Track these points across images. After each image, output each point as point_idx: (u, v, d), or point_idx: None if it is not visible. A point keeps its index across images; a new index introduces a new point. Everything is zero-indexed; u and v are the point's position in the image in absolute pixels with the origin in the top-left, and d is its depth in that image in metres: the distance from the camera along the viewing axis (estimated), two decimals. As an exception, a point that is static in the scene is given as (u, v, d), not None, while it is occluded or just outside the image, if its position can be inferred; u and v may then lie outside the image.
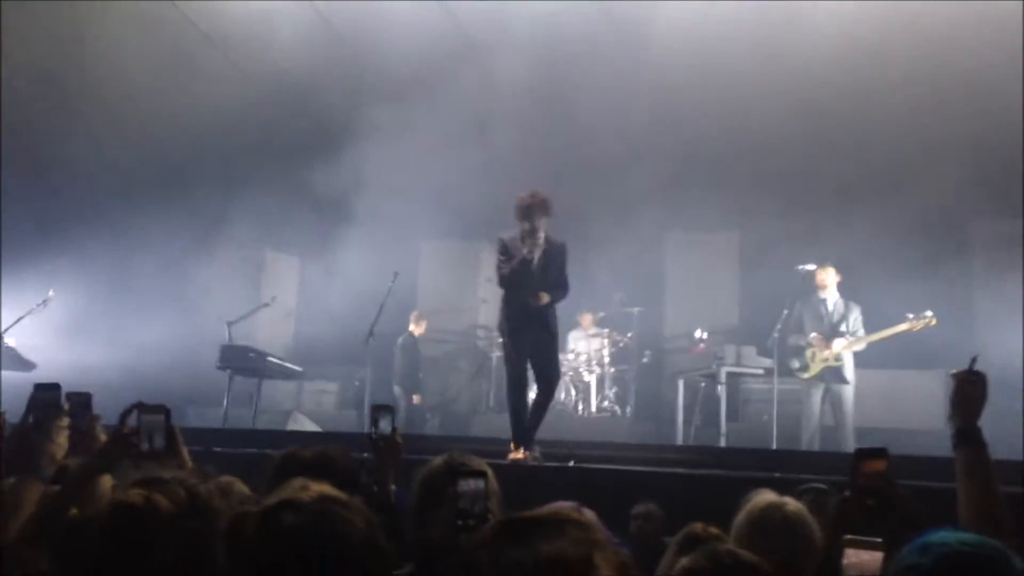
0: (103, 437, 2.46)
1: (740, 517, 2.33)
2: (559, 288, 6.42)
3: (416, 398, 10.43)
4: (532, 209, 6.24)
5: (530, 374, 6.64)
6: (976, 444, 2.25)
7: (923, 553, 1.59)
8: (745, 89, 8.92)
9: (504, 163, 9.13)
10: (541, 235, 6.27)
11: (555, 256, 6.41)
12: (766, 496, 2.37)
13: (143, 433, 2.30)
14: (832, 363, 8.06)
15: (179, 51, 9.55)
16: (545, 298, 6.31)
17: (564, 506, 2.34)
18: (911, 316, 7.95)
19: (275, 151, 10.48)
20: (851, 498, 2.01)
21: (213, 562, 1.60)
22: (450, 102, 9.48)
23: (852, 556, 1.74)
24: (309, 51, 9.54)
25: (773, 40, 8.62)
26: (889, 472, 2.06)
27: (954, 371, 2.23)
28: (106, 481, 2.35)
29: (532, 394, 6.74)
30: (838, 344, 8.08)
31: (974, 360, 2.33)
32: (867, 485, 1.89)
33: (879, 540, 1.78)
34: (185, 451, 2.34)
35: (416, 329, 10.75)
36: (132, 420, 2.34)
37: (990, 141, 8.45)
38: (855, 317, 8.23)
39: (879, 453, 2.07)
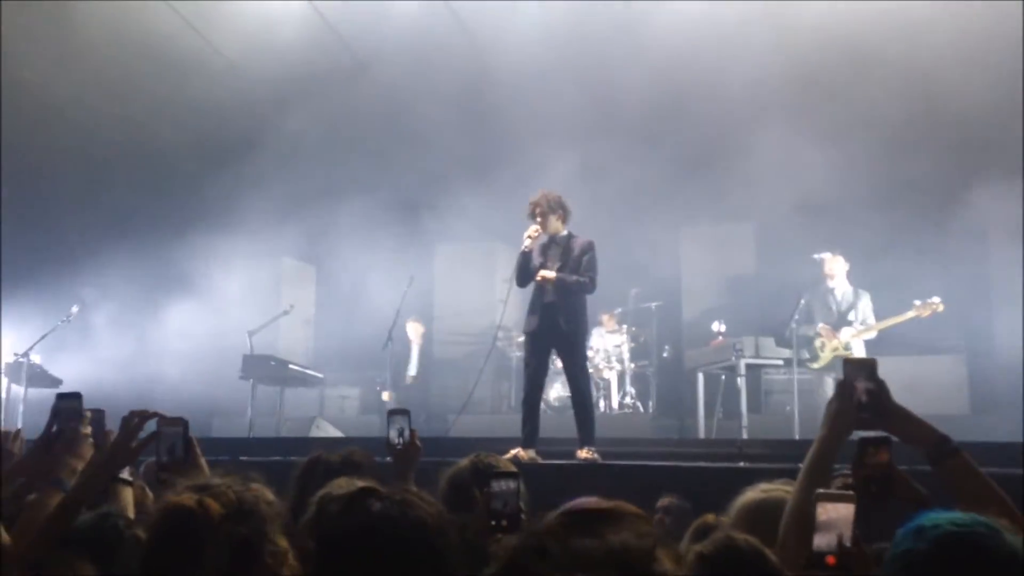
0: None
1: (739, 501, 2.35)
2: (578, 279, 6.43)
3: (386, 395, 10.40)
4: (536, 206, 6.47)
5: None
6: (951, 456, 2.08)
7: (917, 537, 1.60)
8: (755, 80, 8.90)
9: (517, 163, 9.15)
10: (534, 229, 6.43)
11: (574, 252, 6.46)
12: (757, 488, 2.39)
13: (163, 444, 2.37)
14: (841, 352, 8.07)
15: (181, 54, 9.62)
16: (547, 275, 6.36)
17: (588, 500, 2.37)
18: (918, 303, 7.96)
19: (285, 158, 10.53)
20: (854, 485, 2.03)
21: (262, 565, 1.65)
22: (458, 102, 9.52)
23: (827, 510, 1.76)
24: (313, 54, 9.59)
25: (781, 28, 8.61)
26: (892, 461, 2.09)
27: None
28: (127, 492, 2.39)
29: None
30: (845, 333, 8.12)
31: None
32: (870, 473, 1.91)
33: (850, 493, 1.79)
34: (204, 461, 2.39)
35: (412, 334, 10.78)
36: (144, 431, 2.39)
37: (1006, 118, 8.38)
38: (864, 305, 8.24)
39: (883, 441, 2.09)
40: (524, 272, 6.55)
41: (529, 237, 6.46)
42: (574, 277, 6.43)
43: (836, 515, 1.75)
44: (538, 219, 6.49)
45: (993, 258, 9.53)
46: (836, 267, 8.42)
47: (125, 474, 2.40)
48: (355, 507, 1.61)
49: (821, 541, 1.74)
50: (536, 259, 6.53)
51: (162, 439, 2.36)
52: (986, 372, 9.05)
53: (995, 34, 8.11)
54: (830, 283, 8.38)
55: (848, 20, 8.44)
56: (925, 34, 8.19)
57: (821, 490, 1.81)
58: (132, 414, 2.37)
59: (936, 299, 7.92)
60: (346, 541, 1.57)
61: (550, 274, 6.40)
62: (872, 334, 8.15)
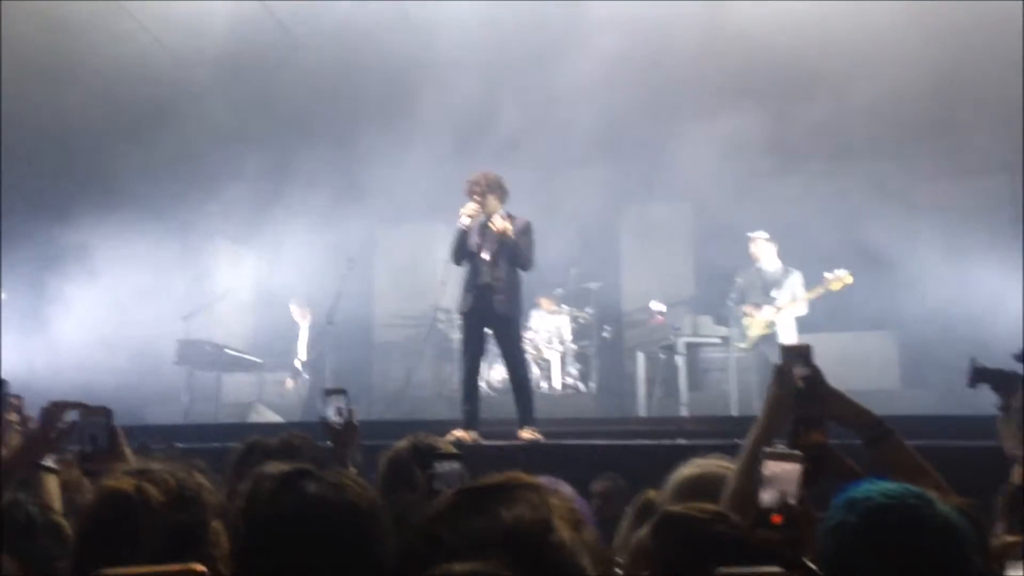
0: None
1: (675, 477, 2.37)
2: (519, 255, 6.45)
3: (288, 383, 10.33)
4: (475, 185, 6.48)
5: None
6: (885, 438, 2.11)
7: (848, 510, 1.60)
8: (694, 59, 8.95)
9: (456, 142, 9.09)
10: (472, 207, 6.43)
11: (514, 232, 6.45)
12: (691, 464, 2.41)
13: (85, 434, 2.33)
14: (765, 331, 8.25)
15: (122, 44, 9.32)
16: (502, 224, 6.38)
17: (541, 481, 2.37)
18: (828, 275, 8.15)
19: (226, 141, 10.30)
20: None
21: (203, 552, 1.61)
22: (397, 81, 9.41)
23: (773, 467, 1.78)
24: (251, 37, 9.37)
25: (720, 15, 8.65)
26: (826, 440, 2.12)
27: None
28: (52, 481, 2.33)
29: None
30: (766, 312, 8.29)
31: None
32: (806, 452, 1.94)
33: (798, 452, 1.82)
34: (129, 451, 2.35)
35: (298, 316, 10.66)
36: (68, 420, 2.33)
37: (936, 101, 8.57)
38: (792, 282, 8.41)
39: (818, 422, 2.13)
40: (461, 250, 6.53)
41: (468, 216, 6.44)
42: (515, 240, 6.43)
43: (782, 473, 1.76)
44: (476, 198, 6.47)
45: (922, 233, 9.78)
46: (761, 249, 8.59)
47: (50, 462, 2.33)
48: (288, 488, 1.58)
49: (766, 499, 1.75)
50: (473, 239, 6.51)
51: (85, 429, 2.33)
52: (915, 347, 9.31)
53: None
54: (759, 264, 8.57)
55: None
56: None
57: (767, 448, 1.82)
58: (52, 404, 2.31)
59: (843, 271, 8.11)
60: (277, 521, 1.54)
61: (501, 224, 6.39)
62: (794, 310, 8.32)
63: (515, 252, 6.44)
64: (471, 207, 6.47)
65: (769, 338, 8.18)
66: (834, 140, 9.14)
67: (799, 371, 2.16)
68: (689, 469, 2.38)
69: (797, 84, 8.75)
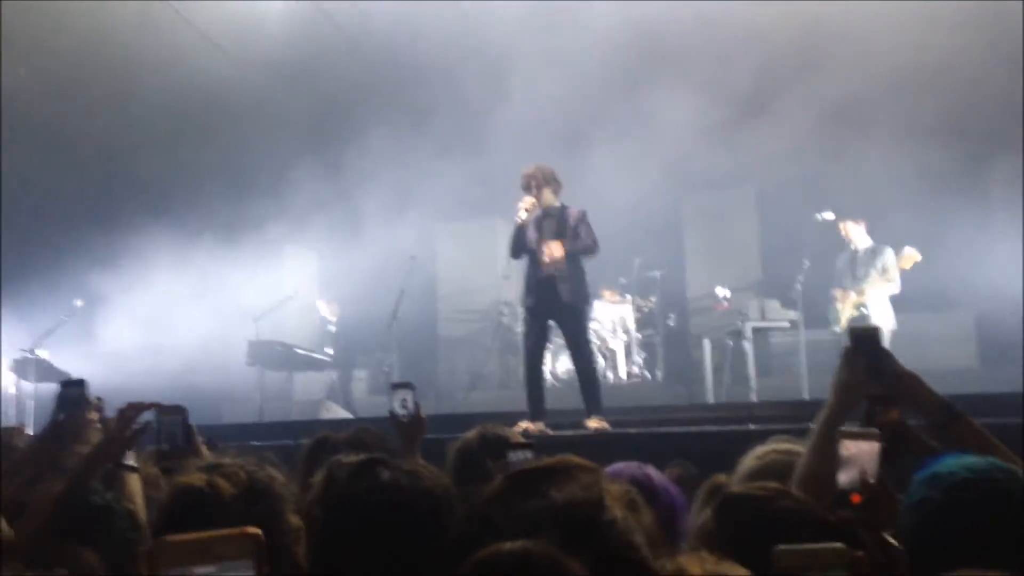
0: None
1: (739, 472, 2.34)
2: (582, 245, 6.43)
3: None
4: (531, 179, 6.47)
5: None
6: (955, 420, 2.04)
7: (932, 485, 1.58)
8: (753, 44, 8.82)
9: (513, 137, 9.09)
10: (530, 201, 6.41)
11: (568, 223, 6.44)
12: (760, 448, 2.38)
13: (163, 433, 2.39)
14: (854, 313, 8.06)
15: (176, 49, 9.52)
16: (555, 250, 6.34)
17: (629, 466, 2.38)
18: (898, 255, 7.97)
19: (283, 144, 10.48)
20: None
21: (278, 543, 1.64)
22: (453, 78, 9.45)
23: (851, 447, 1.74)
24: (306, 38, 9.50)
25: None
26: (903, 417, 2.07)
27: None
28: (134, 479, 2.39)
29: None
30: (851, 296, 8.13)
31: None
32: (883, 431, 1.90)
33: (875, 431, 1.78)
34: (204, 448, 2.39)
35: (326, 312, 10.76)
36: (144, 421, 2.40)
37: (1005, 73, 8.30)
38: (883, 260, 8.16)
39: (894, 402, 2.09)
40: (519, 244, 6.53)
41: (525, 210, 6.45)
42: (579, 244, 6.42)
43: (860, 453, 1.73)
44: (533, 191, 6.47)
45: (997, 213, 9.48)
46: (851, 231, 8.41)
47: (131, 460, 2.39)
48: (364, 474, 1.60)
49: (845, 479, 1.72)
50: (531, 232, 6.51)
51: (162, 428, 2.39)
52: (993, 325, 9.03)
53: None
54: (852, 245, 8.39)
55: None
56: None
57: (844, 428, 1.79)
58: (129, 406, 2.38)
59: (911, 249, 7.91)
60: (354, 508, 1.56)
61: (559, 251, 6.36)
62: (885, 289, 8.11)
63: (576, 252, 6.42)
64: (528, 201, 6.46)
65: (860, 320, 7.99)
66: (899, 116, 8.90)
67: (867, 353, 2.11)
68: (758, 453, 2.35)
69: (853, 60, 8.56)
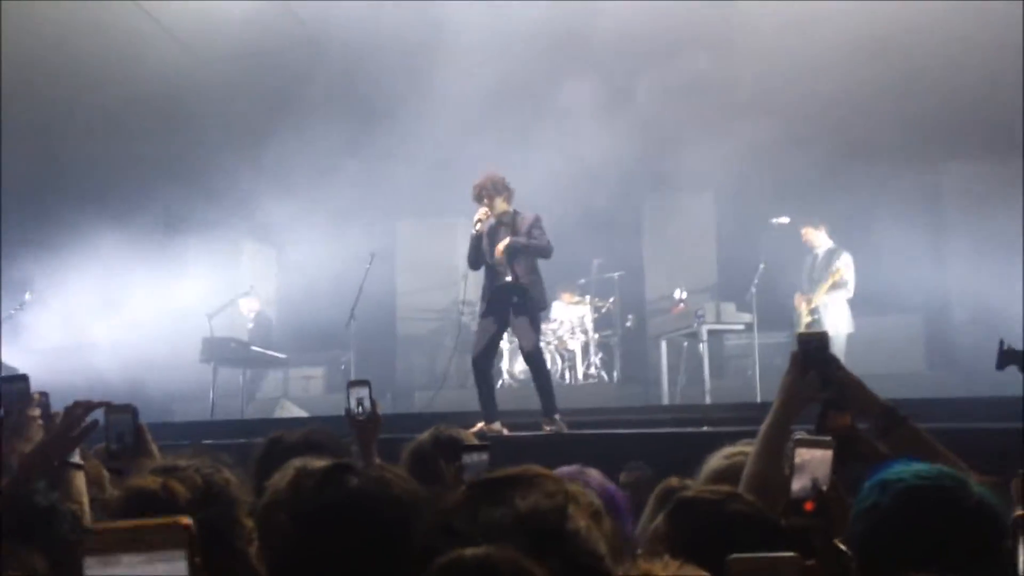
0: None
1: (705, 471, 2.37)
2: (530, 242, 6.47)
3: None
4: (481, 189, 6.54)
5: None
6: (899, 426, 2.08)
7: (882, 491, 1.60)
8: (711, 48, 8.90)
9: (476, 137, 9.08)
10: (483, 211, 6.49)
11: (521, 229, 6.51)
12: (730, 449, 2.41)
13: (112, 432, 2.34)
14: (808, 318, 8.21)
15: (133, 39, 9.36)
16: (500, 248, 6.42)
17: (568, 469, 2.39)
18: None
19: (241, 139, 10.35)
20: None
21: (233, 547, 1.62)
22: (415, 79, 9.41)
23: (804, 454, 1.77)
24: (267, 34, 9.39)
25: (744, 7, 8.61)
26: (854, 423, 2.12)
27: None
28: (79, 477, 2.35)
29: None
30: (805, 298, 8.32)
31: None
32: (833, 435, 1.93)
33: (828, 439, 1.81)
34: (155, 448, 2.35)
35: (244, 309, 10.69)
36: (92, 419, 2.35)
37: (958, 83, 8.48)
38: (837, 266, 8.32)
39: (845, 406, 2.13)
40: (476, 255, 6.63)
41: (479, 220, 6.50)
42: (523, 240, 6.46)
43: (813, 460, 1.76)
44: (485, 202, 6.52)
45: (947, 219, 9.69)
46: (811, 235, 8.59)
47: (76, 457, 2.35)
48: (331, 482, 1.59)
49: (798, 487, 1.75)
50: (485, 242, 6.56)
51: (111, 427, 2.33)
52: (941, 330, 9.23)
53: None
54: (814, 250, 8.58)
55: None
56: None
57: (799, 435, 1.82)
58: (76, 404, 2.33)
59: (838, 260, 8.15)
60: (323, 516, 1.55)
61: (501, 245, 6.44)
62: (828, 295, 8.29)
63: (529, 251, 6.47)
64: (481, 211, 6.52)
65: (814, 325, 8.14)
66: (853, 123, 9.06)
67: (814, 357, 2.15)
68: (726, 453, 2.38)
69: (809, 69, 8.69)
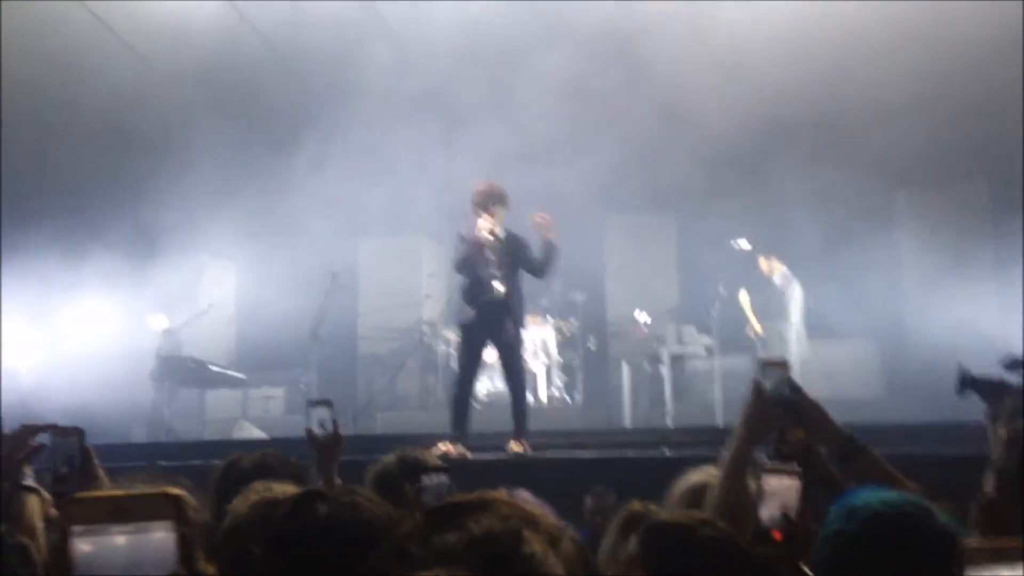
0: None
1: (673, 496, 2.37)
2: (538, 270, 6.48)
3: None
4: (490, 197, 6.40)
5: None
6: (859, 454, 2.10)
7: (848, 518, 1.61)
8: (673, 70, 9.00)
9: (439, 156, 9.09)
10: (491, 221, 6.38)
11: (518, 248, 6.47)
12: (697, 474, 2.41)
13: (59, 456, 2.28)
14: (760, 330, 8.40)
15: (89, 51, 9.22)
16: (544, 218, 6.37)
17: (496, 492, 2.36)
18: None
19: (202, 154, 10.23)
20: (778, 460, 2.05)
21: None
22: (380, 97, 9.40)
23: (772, 483, 1.78)
24: (229, 46, 9.31)
25: (702, 23, 8.72)
26: (810, 441, 2.12)
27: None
28: (32, 500, 2.29)
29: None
30: (754, 328, 8.52)
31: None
32: (791, 451, 1.94)
33: (797, 468, 1.82)
34: (102, 472, 2.30)
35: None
36: (38, 442, 2.30)
37: (913, 111, 8.66)
38: (786, 299, 8.49)
39: (800, 421, 2.13)
40: (469, 261, 6.42)
41: (488, 232, 6.34)
42: (539, 271, 6.53)
43: (782, 489, 1.76)
44: (492, 210, 6.40)
45: (903, 245, 9.86)
46: (765, 266, 8.73)
47: (29, 480, 2.29)
48: (301, 511, 1.58)
49: (767, 515, 1.74)
50: (487, 253, 6.41)
51: (57, 450, 2.28)
52: (898, 355, 9.37)
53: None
54: (772, 278, 8.74)
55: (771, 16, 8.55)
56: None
57: (769, 463, 1.82)
58: (22, 427, 2.27)
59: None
60: (293, 545, 1.54)
61: (545, 217, 6.36)
62: (774, 325, 8.49)
63: (528, 264, 6.48)
64: (489, 221, 6.36)
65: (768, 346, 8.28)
66: (811, 149, 9.22)
67: (776, 385, 2.16)
68: (686, 482, 2.38)
69: (769, 92, 8.84)
